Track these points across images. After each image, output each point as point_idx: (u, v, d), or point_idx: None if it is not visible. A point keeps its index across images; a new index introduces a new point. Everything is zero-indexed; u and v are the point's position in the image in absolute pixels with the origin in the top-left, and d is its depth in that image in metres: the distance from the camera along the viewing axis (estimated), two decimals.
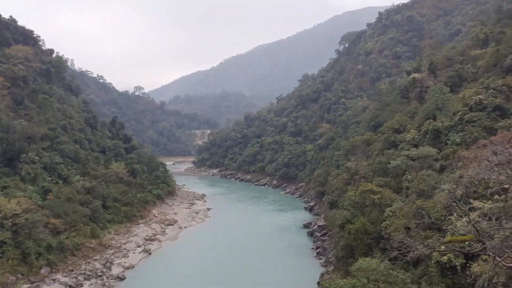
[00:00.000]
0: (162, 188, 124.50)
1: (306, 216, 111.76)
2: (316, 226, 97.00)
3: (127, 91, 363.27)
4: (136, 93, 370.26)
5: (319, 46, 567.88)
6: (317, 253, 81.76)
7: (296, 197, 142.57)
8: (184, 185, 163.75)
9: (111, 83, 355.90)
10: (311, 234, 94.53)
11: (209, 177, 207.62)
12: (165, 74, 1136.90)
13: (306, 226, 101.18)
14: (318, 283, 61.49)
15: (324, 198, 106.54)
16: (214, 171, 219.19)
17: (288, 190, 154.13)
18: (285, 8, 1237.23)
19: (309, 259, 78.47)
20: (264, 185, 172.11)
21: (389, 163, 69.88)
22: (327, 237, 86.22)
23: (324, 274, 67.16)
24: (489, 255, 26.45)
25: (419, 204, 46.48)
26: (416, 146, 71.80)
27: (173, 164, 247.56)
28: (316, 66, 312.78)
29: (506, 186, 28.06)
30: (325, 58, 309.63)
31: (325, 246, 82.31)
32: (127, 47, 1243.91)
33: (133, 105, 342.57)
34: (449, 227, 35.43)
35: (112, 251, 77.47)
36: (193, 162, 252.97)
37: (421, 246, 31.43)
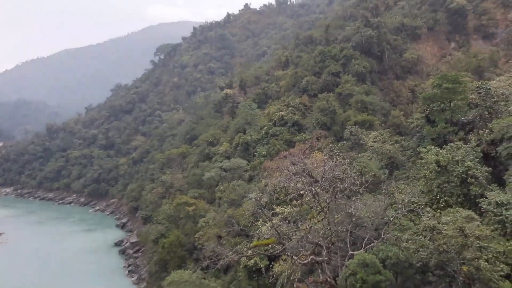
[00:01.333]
0: None
1: (118, 234, 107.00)
2: (128, 243, 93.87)
3: None
4: None
5: (132, 56, 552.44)
6: (129, 271, 79.18)
7: (107, 214, 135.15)
8: None
9: None
10: (123, 252, 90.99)
11: (0, 197, 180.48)
12: None
13: (117, 244, 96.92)
14: None
15: (137, 214, 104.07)
16: (8, 190, 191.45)
17: (98, 208, 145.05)
18: (94, 13, 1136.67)
19: (120, 279, 75.33)
20: (70, 203, 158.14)
21: (204, 175, 72.79)
22: (140, 254, 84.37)
23: None
24: (287, 255, 30.22)
25: (230, 212, 49.75)
26: (228, 158, 76.54)
27: None
28: (129, 76, 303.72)
29: (302, 192, 32.42)
30: (139, 68, 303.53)
31: (138, 263, 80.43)
32: None
33: None
34: (256, 232, 38.94)
35: None
36: None
37: (231, 252, 33.84)
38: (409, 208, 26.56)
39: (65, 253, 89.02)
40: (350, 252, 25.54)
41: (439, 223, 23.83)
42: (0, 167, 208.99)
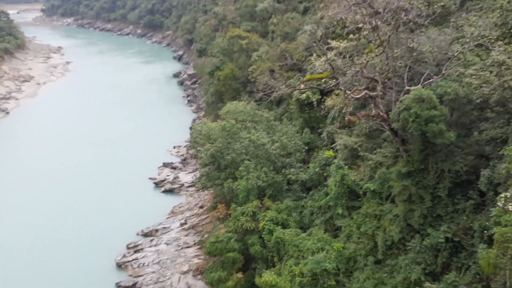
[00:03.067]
0: (9, 41, 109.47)
1: (176, 66, 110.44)
2: (186, 75, 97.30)
3: None
4: None
5: None
6: (188, 100, 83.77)
7: (164, 46, 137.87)
8: (35, 37, 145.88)
9: None
10: (181, 83, 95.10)
11: (63, 27, 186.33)
12: None
13: (175, 75, 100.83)
14: (191, 128, 64.39)
15: (192, 46, 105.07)
16: (69, 20, 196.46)
17: (154, 40, 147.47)
18: None
19: (181, 107, 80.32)
20: (127, 34, 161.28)
21: (256, 6, 69.92)
22: (197, 85, 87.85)
23: (195, 120, 70.32)
24: (341, 89, 30.05)
25: (283, 46, 48.80)
26: None
27: (18, 13, 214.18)
28: None
29: (360, 25, 30.54)
30: None
31: (196, 93, 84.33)
32: None
33: None
34: (309, 66, 38.46)
35: None
36: (42, 10, 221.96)
37: (284, 86, 34.11)
38: (477, 42, 24.48)
39: (129, 82, 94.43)
40: (407, 88, 24.84)
41: (509, 58, 22.06)
42: None
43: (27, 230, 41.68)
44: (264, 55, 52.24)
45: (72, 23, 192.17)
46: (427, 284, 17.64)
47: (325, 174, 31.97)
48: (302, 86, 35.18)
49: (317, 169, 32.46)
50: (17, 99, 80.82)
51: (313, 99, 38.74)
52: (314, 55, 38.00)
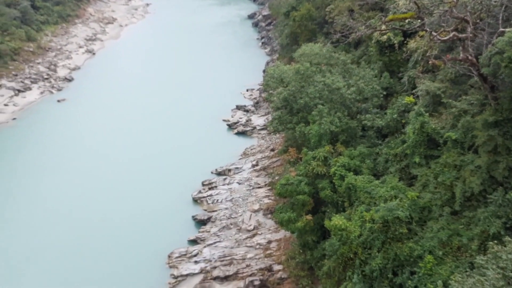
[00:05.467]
0: None
1: (250, 7, 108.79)
2: (260, 16, 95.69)
3: None
4: None
5: None
6: (262, 43, 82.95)
7: None
8: None
9: None
10: (255, 25, 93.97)
11: None
12: None
13: (250, 17, 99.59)
14: (264, 71, 64.16)
15: None
16: None
17: None
18: None
19: (255, 49, 79.95)
20: None
21: None
22: (271, 27, 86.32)
23: (269, 62, 69.78)
24: (426, 31, 27.89)
25: None
26: None
27: None
28: None
29: None
30: None
31: (270, 35, 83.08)
32: None
33: None
34: (392, 5, 35.87)
35: (54, 53, 74.65)
36: None
37: (363, 27, 32.33)
38: None
39: (204, 24, 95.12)
40: (501, 29, 22.44)
41: None
42: None
43: (118, 166, 45.29)
44: None
45: None
46: (507, 238, 16.75)
47: (403, 121, 30.65)
48: (383, 27, 33.08)
49: (395, 115, 31.16)
50: (102, 40, 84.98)
51: (395, 41, 36.46)
52: None
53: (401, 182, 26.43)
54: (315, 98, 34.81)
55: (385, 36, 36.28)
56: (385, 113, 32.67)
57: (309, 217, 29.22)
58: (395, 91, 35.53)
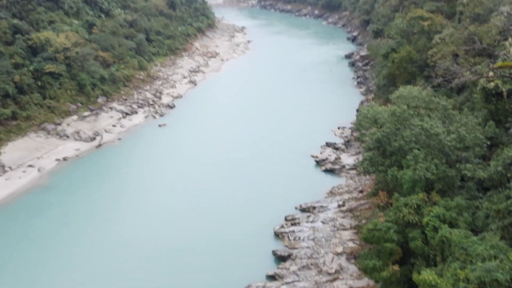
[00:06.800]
0: (202, 20, 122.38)
1: (348, 47, 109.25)
2: (358, 56, 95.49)
3: None
4: None
5: None
6: (357, 82, 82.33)
7: (339, 27, 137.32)
8: (223, 17, 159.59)
9: None
10: (352, 65, 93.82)
11: (248, 9, 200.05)
12: None
13: (347, 56, 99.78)
14: (357, 110, 63.34)
15: (368, 27, 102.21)
16: (253, 2, 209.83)
17: (330, 20, 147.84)
18: None
19: (349, 88, 79.61)
20: (305, 15, 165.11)
21: None
22: (368, 67, 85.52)
23: (363, 102, 68.80)
24: None
25: (472, 29, 43.89)
26: None
27: None
28: None
29: None
30: None
31: (366, 75, 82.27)
32: None
33: None
34: (502, 52, 33.96)
35: (161, 82, 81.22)
36: None
37: (468, 72, 30.87)
38: None
39: (301, 62, 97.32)
40: None
41: None
42: None
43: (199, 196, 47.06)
44: (448, 38, 47.87)
45: (256, 4, 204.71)
46: None
47: (508, 175, 28.14)
48: (491, 73, 31.42)
49: (500, 167, 28.70)
50: (204, 72, 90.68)
51: (503, 89, 34.14)
52: (510, 39, 33.39)
53: (502, 241, 24.05)
54: (411, 142, 33.44)
55: (492, 83, 34.21)
56: (488, 165, 30.26)
57: (396, 267, 27.62)
58: (501, 142, 32.95)
